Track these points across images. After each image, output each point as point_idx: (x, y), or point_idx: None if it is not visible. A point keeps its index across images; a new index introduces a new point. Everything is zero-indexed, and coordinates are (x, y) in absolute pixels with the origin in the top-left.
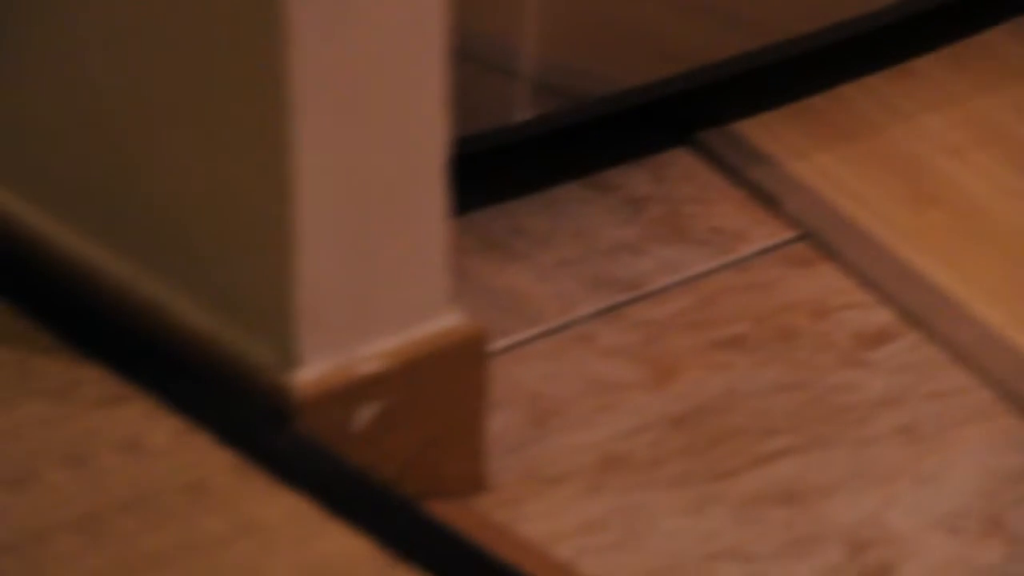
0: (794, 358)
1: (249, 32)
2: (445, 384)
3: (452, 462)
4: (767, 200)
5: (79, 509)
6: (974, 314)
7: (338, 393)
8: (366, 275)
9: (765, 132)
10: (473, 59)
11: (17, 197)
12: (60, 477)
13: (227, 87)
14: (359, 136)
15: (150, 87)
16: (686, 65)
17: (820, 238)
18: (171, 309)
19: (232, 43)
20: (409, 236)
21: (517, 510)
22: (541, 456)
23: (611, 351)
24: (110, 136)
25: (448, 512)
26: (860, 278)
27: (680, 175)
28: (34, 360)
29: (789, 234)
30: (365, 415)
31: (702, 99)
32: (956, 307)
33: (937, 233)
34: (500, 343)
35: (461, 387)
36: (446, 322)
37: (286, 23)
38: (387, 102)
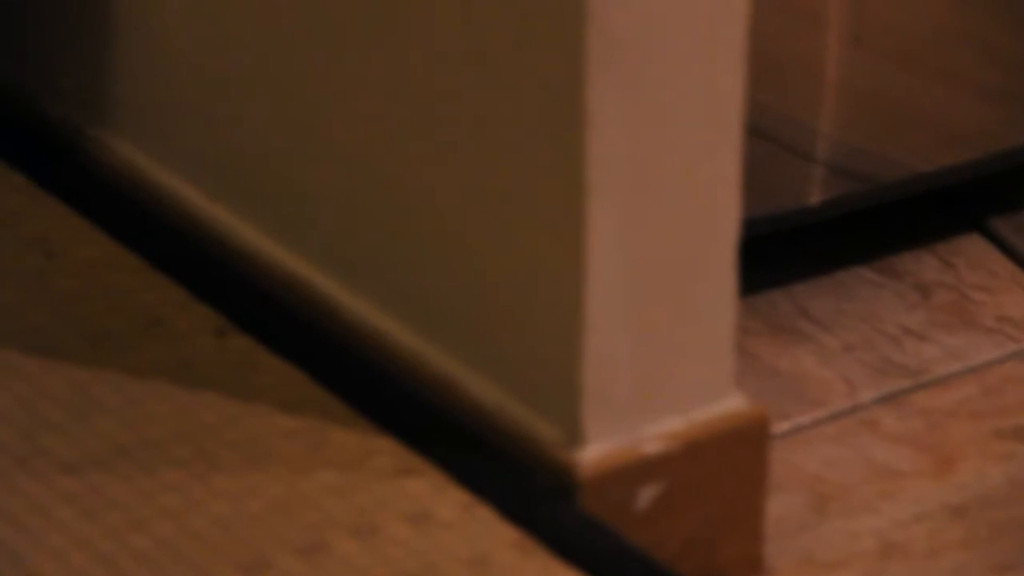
0: None
1: (550, 117)
2: (726, 466)
3: (730, 544)
4: None
5: None
6: None
7: (621, 472)
8: (653, 355)
9: None
10: (766, 138)
11: (311, 265)
12: (349, 547)
13: (526, 168)
14: (653, 216)
15: (449, 162)
16: (978, 151)
17: None
18: (460, 383)
19: (534, 127)
20: (697, 317)
21: None
22: (819, 541)
23: (893, 437)
24: (405, 207)
25: None
26: None
27: (969, 262)
28: (329, 429)
29: None
30: (647, 495)
31: (993, 186)
32: None
33: None
34: (782, 426)
35: (742, 470)
36: (730, 404)
37: (586, 109)
38: (682, 183)
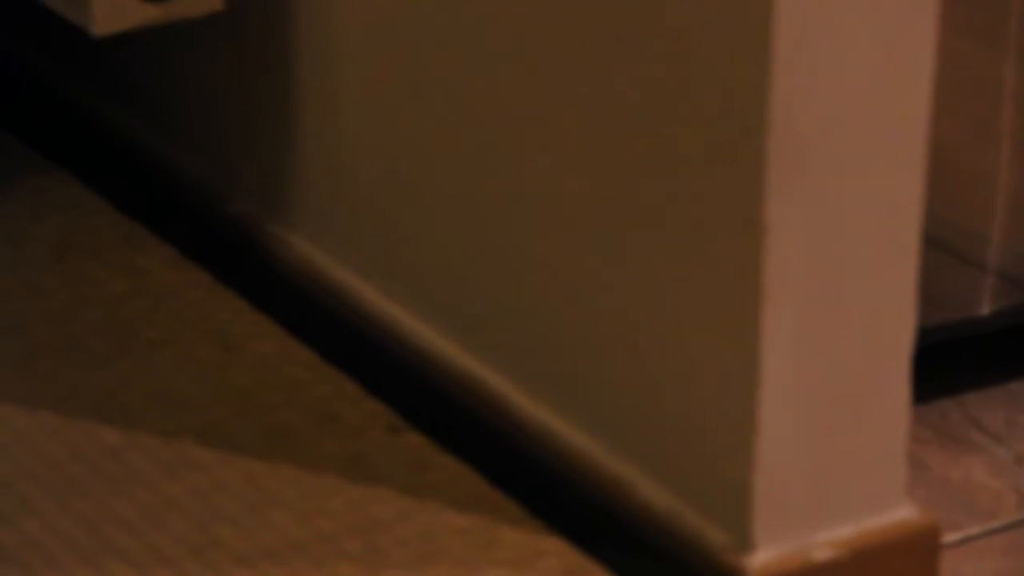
0: None
1: (730, 224)
2: (896, 575)
3: None
4: None
5: None
6: None
7: None
8: (825, 462)
9: None
10: (938, 247)
11: (485, 364)
12: None
13: (703, 274)
14: (828, 324)
15: (626, 268)
16: None
17: None
18: (631, 485)
19: (712, 235)
20: (870, 425)
21: None
22: None
23: None
24: (581, 310)
25: None
26: None
27: None
28: (499, 528)
29: None
30: None
31: None
32: None
33: None
34: (952, 537)
35: None
36: (900, 513)
37: (765, 217)
38: (859, 291)
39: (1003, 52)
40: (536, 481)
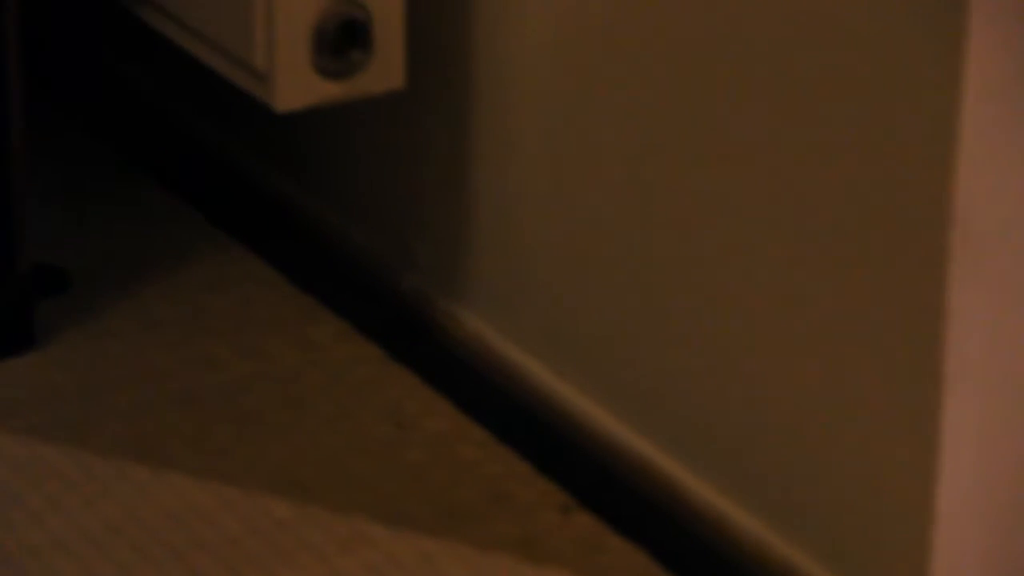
0: None
1: (910, 315)
2: None
3: None
4: None
5: None
6: None
7: None
8: (1004, 553)
9: None
10: None
11: (657, 446)
12: None
13: (882, 363)
14: (1009, 412)
15: (802, 352)
16: None
17: None
18: (804, 573)
19: (892, 325)
20: None
21: None
22: None
23: None
24: (755, 394)
25: None
26: None
27: None
28: None
29: None
30: None
31: None
32: None
33: None
34: None
35: None
36: None
37: (947, 307)
38: None
39: None
40: (707, 566)
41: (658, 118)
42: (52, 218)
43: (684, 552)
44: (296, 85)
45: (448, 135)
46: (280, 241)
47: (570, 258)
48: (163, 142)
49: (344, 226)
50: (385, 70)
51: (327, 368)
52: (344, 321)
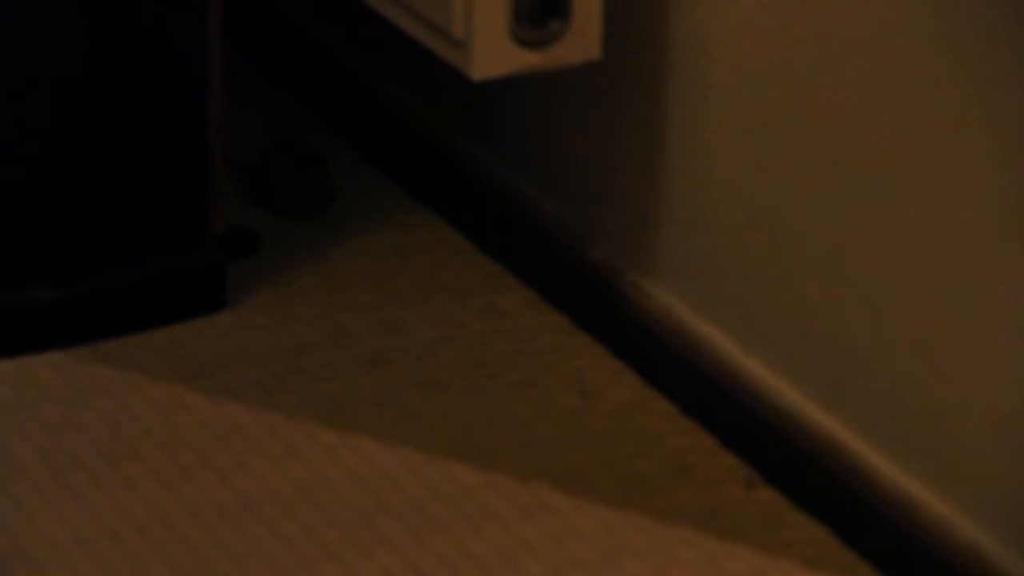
0: None
1: None
2: None
3: None
4: None
5: None
6: None
7: None
8: None
9: None
10: None
11: (844, 424)
12: None
13: None
14: None
15: (993, 333)
16: None
17: None
18: (987, 555)
19: None
20: None
21: None
22: None
23: None
24: (945, 373)
25: None
26: None
27: None
28: None
29: None
30: None
31: None
32: None
33: None
34: None
35: None
36: None
37: None
38: None
39: None
40: (891, 544)
41: (860, 90)
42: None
43: (866, 530)
44: (493, 54)
45: (642, 107)
46: (471, 209)
47: (762, 234)
48: (359, 109)
49: (535, 195)
50: (582, 40)
51: (513, 336)
52: (531, 290)
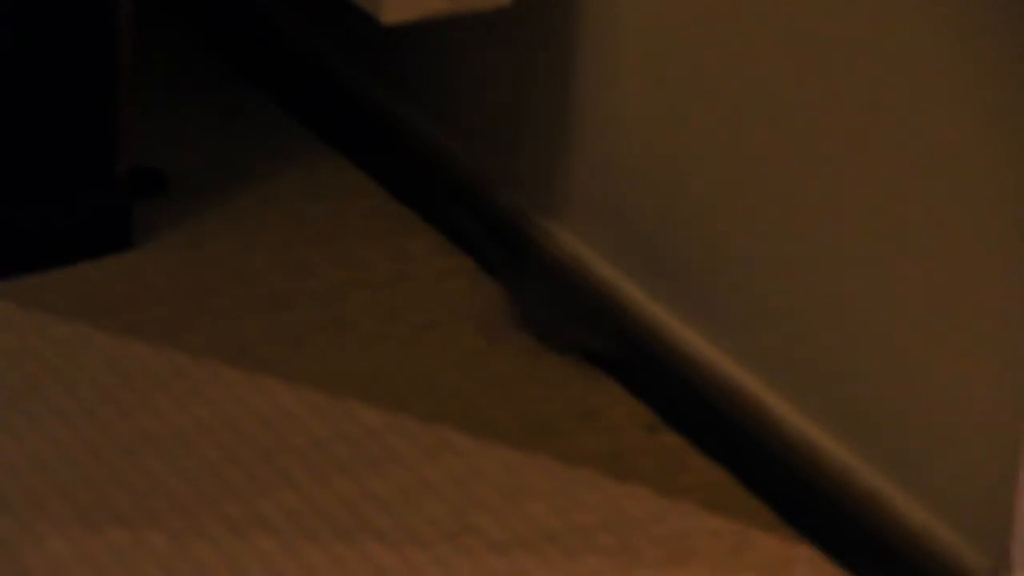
0: None
1: (1016, 250)
2: None
3: None
4: None
5: None
6: None
7: None
8: None
9: None
10: None
11: (745, 369)
12: None
13: (979, 294)
14: None
15: (897, 284)
16: None
17: None
18: (886, 499)
19: (992, 254)
20: None
21: None
22: None
23: None
24: (845, 319)
25: None
26: None
27: None
28: (752, 533)
29: None
30: None
31: None
32: None
33: None
34: None
35: None
36: None
37: None
38: None
39: None
40: (791, 488)
41: (767, 42)
42: (155, 123)
43: (767, 474)
44: None
45: (553, 54)
46: (380, 153)
47: (669, 181)
48: (270, 54)
49: (445, 141)
50: None
51: (420, 279)
52: (440, 234)
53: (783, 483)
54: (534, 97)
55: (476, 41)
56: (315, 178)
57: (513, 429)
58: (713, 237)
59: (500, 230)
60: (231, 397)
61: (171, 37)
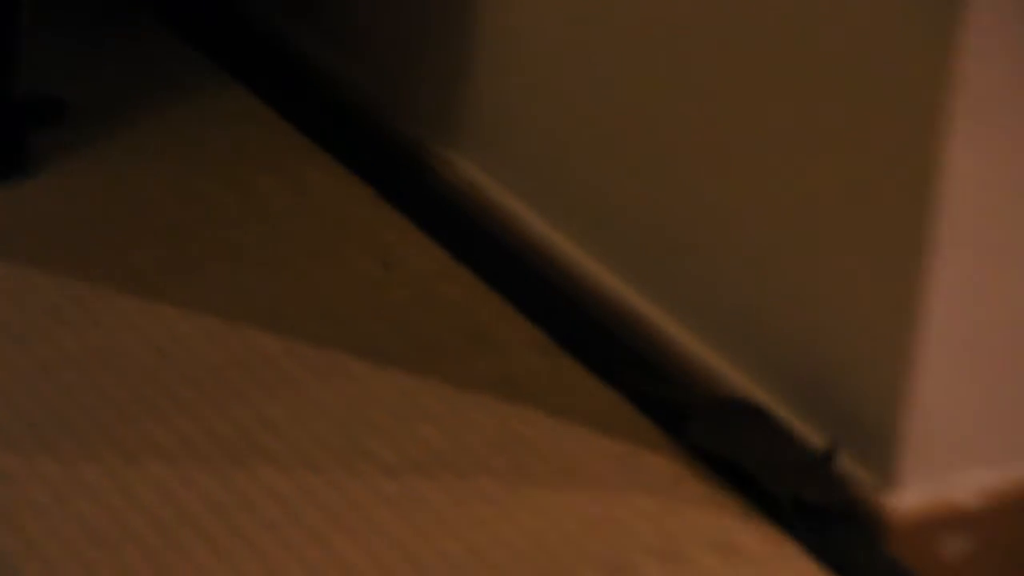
0: None
1: (906, 171)
2: None
3: None
4: None
5: None
6: None
7: (932, 521)
8: (977, 408)
9: None
10: None
11: (634, 288)
12: (654, 571)
13: (870, 214)
14: (995, 273)
15: (785, 202)
16: None
17: None
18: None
19: (884, 176)
20: None
21: None
22: None
23: None
24: (732, 238)
25: None
26: None
27: None
28: (641, 453)
29: None
30: (956, 547)
31: None
32: None
33: None
34: None
35: None
36: None
37: (941, 167)
38: None
39: None
40: (676, 406)
41: None
42: (54, 51)
43: (661, 396)
44: None
45: None
46: (278, 82)
47: (568, 108)
48: None
49: (343, 68)
50: None
51: (318, 208)
52: (338, 162)
53: (670, 401)
54: (431, 24)
55: None
56: (214, 107)
57: (407, 354)
58: (607, 166)
59: (399, 159)
60: (127, 325)
61: None
